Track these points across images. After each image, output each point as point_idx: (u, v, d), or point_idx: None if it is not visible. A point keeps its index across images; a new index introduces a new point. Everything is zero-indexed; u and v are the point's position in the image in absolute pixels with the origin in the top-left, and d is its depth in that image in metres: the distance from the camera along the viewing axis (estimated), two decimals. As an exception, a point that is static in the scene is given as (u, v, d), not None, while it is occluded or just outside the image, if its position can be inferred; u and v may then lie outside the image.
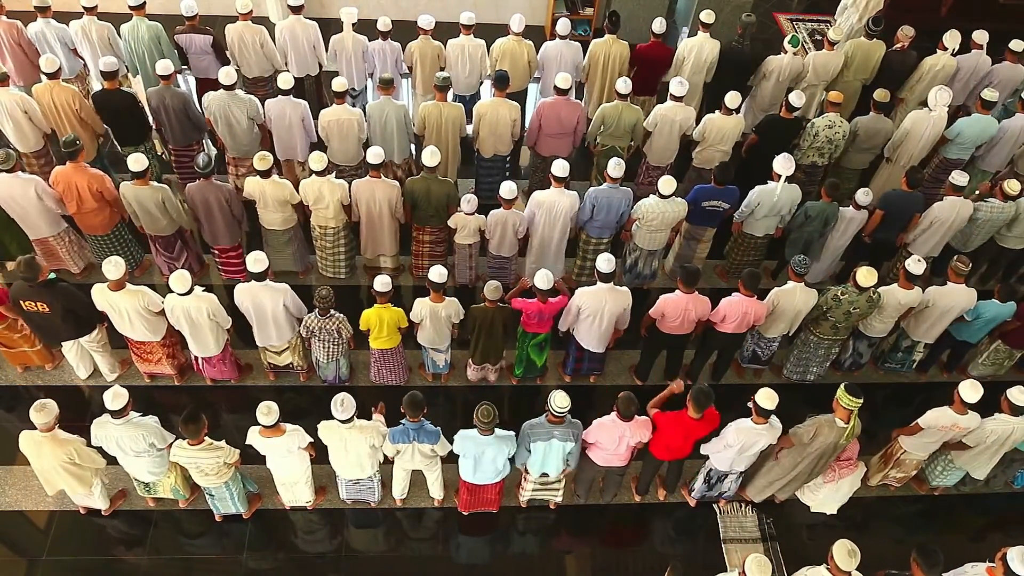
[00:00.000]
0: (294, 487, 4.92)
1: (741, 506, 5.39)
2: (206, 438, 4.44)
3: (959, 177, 6.01)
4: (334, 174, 6.04)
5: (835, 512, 5.27)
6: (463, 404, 5.86)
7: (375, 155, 5.68)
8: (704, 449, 4.94)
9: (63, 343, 5.40)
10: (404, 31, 8.88)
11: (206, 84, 7.02)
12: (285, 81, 6.24)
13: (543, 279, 5.19)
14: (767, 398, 4.51)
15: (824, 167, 6.91)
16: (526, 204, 6.07)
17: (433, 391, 5.85)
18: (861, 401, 4.48)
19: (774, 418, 4.69)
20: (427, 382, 5.91)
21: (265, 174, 5.65)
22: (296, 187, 5.87)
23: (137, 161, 5.43)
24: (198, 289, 5.03)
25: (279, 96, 6.30)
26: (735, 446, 4.71)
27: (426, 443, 4.60)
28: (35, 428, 4.35)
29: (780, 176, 5.87)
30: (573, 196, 5.88)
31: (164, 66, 6.19)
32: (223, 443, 4.52)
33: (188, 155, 6.62)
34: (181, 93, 6.35)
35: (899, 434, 5.22)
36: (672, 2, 9.16)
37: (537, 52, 7.17)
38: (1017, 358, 6.16)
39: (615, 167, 5.71)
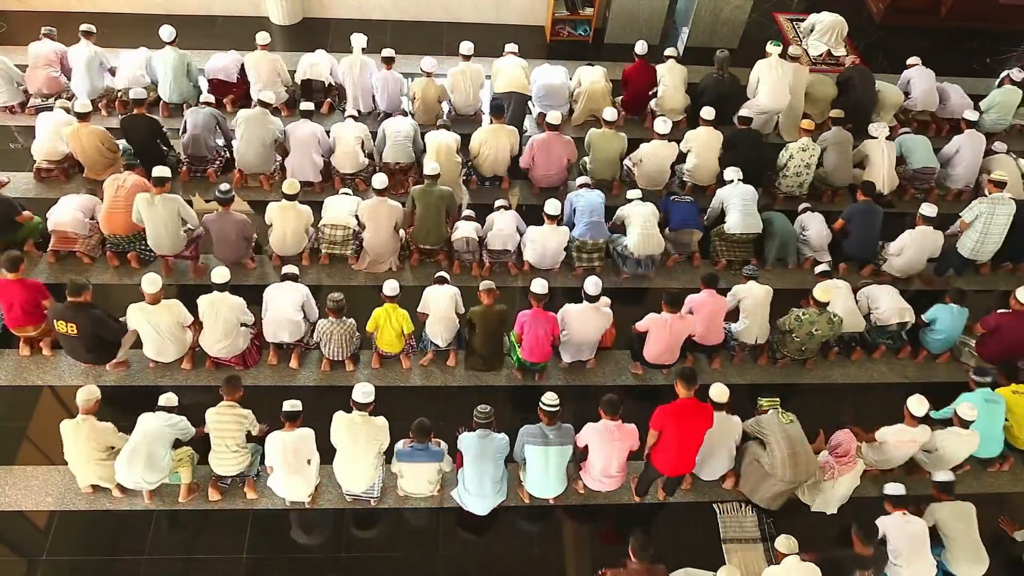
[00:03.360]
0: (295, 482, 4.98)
1: (741, 506, 5.39)
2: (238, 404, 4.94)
3: (928, 209, 6.45)
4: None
5: (835, 512, 5.27)
6: (464, 405, 5.83)
7: (380, 181, 6.16)
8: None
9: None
10: (404, 31, 8.91)
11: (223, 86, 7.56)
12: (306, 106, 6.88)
13: (538, 285, 5.49)
14: (719, 393, 5.02)
15: (803, 197, 7.26)
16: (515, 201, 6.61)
17: (433, 392, 5.86)
18: (777, 400, 5.24)
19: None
20: (425, 375, 5.95)
21: (291, 198, 6.02)
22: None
23: (160, 169, 5.97)
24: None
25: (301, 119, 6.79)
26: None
27: (433, 462, 4.88)
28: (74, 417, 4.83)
29: (732, 180, 6.62)
30: (564, 231, 6.29)
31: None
32: (250, 412, 4.95)
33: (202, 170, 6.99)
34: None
35: (860, 440, 5.38)
36: (672, 2, 9.16)
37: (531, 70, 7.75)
38: None
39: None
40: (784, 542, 4.54)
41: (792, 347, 5.92)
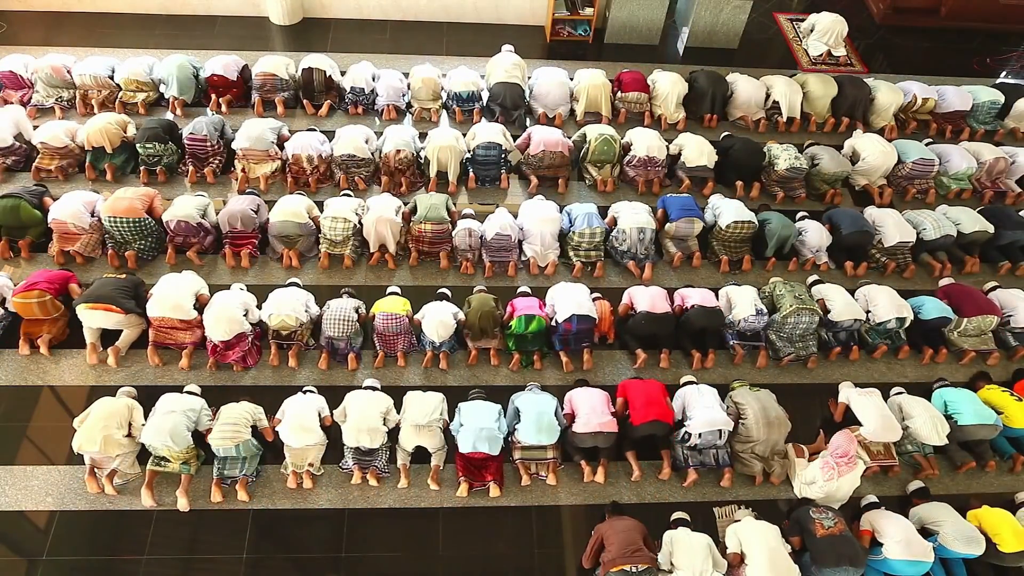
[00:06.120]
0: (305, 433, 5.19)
1: (740, 507, 5.40)
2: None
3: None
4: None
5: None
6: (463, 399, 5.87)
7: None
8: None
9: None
10: (404, 31, 8.92)
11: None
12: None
13: (524, 288, 6.29)
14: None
15: (804, 169, 7.31)
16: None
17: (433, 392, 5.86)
18: (747, 383, 5.73)
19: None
20: (425, 375, 5.97)
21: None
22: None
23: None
24: (237, 286, 5.96)
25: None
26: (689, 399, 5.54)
27: (436, 392, 5.52)
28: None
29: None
30: (552, 204, 6.80)
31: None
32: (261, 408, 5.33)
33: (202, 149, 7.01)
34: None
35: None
36: (672, 2, 9.16)
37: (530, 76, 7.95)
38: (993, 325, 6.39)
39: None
40: (742, 511, 5.16)
41: (788, 299, 6.05)
